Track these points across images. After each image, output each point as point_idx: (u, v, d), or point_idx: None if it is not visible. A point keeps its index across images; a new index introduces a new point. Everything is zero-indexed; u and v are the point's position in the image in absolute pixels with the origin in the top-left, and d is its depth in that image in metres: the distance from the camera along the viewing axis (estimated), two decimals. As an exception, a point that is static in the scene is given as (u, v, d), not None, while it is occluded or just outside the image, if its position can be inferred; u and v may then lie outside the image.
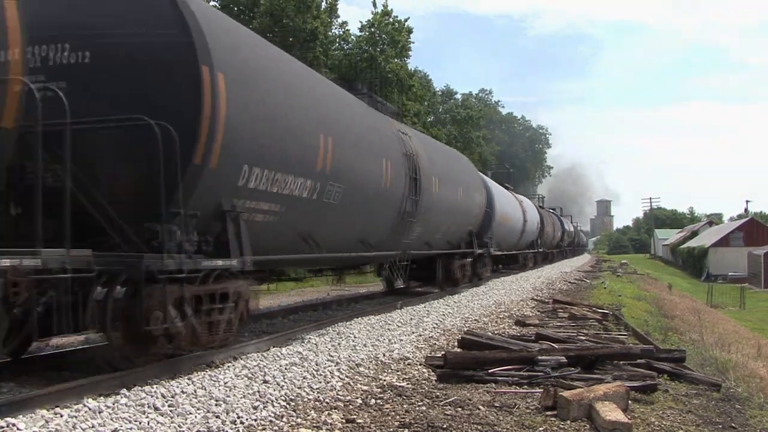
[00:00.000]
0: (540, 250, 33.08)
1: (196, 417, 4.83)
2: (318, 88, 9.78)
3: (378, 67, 31.05)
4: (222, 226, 6.94)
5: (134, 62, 6.29)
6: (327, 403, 5.52)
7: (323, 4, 30.32)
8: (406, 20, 32.48)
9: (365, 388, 6.10)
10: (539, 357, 6.78)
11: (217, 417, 4.87)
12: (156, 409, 4.94)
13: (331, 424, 4.93)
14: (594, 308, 13.31)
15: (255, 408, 5.19)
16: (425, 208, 13.25)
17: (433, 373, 6.83)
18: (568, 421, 5.06)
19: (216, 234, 6.88)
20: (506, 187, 27.04)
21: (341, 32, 33.20)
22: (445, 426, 4.91)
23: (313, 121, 8.73)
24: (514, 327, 10.67)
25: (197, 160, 6.27)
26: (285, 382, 5.97)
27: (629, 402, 5.56)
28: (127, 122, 6.05)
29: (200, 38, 6.35)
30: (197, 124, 6.23)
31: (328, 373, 6.48)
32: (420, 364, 7.27)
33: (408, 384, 6.36)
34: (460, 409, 5.44)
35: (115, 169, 6.34)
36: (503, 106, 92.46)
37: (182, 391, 5.42)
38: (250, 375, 6.16)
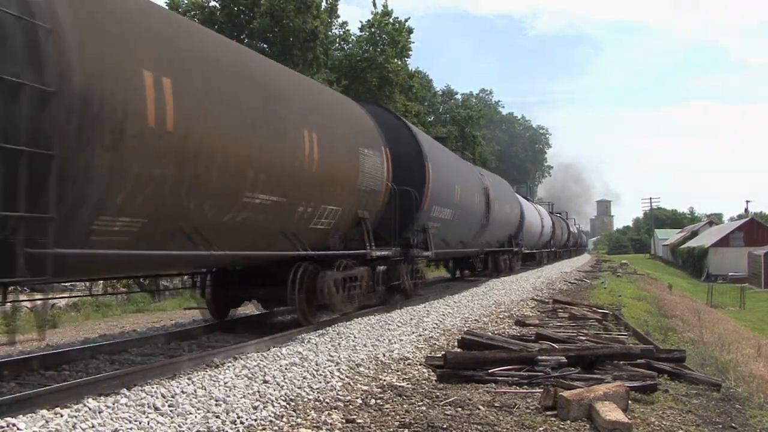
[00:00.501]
0: (552, 249, 40.57)
1: (196, 417, 4.83)
2: (454, 162, 17.44)
3: (379, 68, 31.05)
4: (424, 236, 13.50)
5: None
6: (327, 403, 5.52)
7: (323, 4, 30.30)
8: (406, 20, 32.49)
9: (365, 388, 6.10)
10: (539, 357, 6.78)
11: (217, 417, 4.87)
12: (156, 409, 4.94)
13: (331, 424, 4.93)
14: (594, 308, 13.31)
15: (255, 408, 5.19)
16: (491, 220, 20.11)
17: (433, 373, 6.83)
18: (568, 421, 5.06)
19: (423, 239, 13.49)
20: (528, 199, 34.54)
21: (341, 32, 33.20)
22: (445, 426, 4.91)
23: (454, 177, 16.06)
24: (514, 327, 10.67)
25: (423, 207, 13.05)
26: (285, 382, 5.97)
27: (629, 402, 5.56)
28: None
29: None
30: (426, 189, 13.10)
31: (328, 373, 6.48)
32: (420, 364, 7.27)
33: (408, 384, 6.36)
34: (460, 409, 5.44)
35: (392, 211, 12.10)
36: (503, 106, 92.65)
37: (182, 391, 5.42)
38: (250, 375, 6.16)
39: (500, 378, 6.47)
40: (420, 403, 5.59)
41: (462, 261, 22.48)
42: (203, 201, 6.79)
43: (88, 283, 19.55)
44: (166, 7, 28.67)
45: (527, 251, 29.26)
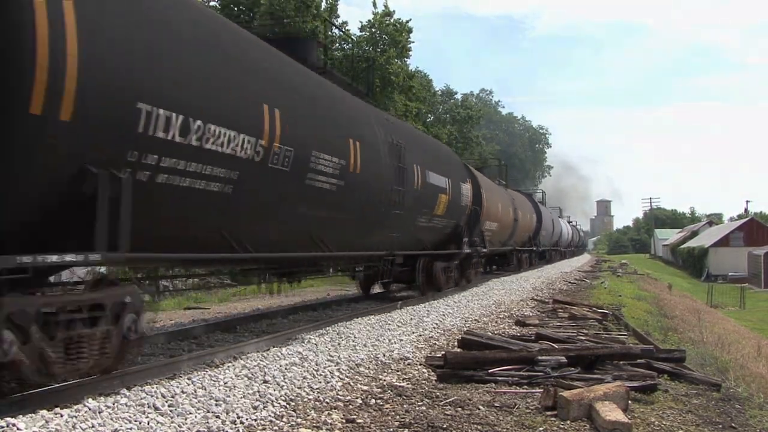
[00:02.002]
0: (558, 248, 45.49)
1: (196, 417, 4.83)
2: (495, 187, 22.77)
3: (379, 68, 31.04)
4: (482, 239, 18.38)
5: None
6: (327, 403, 5.52)
7: (323, 4, 30.29)
8: (407, 21, 32.50)
9: (365, 388, 6.10)
10: (539, 357, 6.78)
11: (217, 417, 4.87)
12: (156, 409, 4.94)
13: (331, 424, 4.93)
14: (594, 308, 13.31)
15: (255, 408, 5.19)
16: (517, 228, 26.16)
17: (433, 373, 6.83)
18: (568, 421, 5.06)
19: (481, 240, 18.09)
20: (541, 203, 39.07)
21: (341, 32, 33.18)
22: (445, 426, 4.91)
23: (496, 199, 21.98)
24: (514, 327, 10.67)
25: (481, 219, 18.19)
26: (285, 382, 5.97)
27: (629, 402, 5.56)
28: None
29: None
30: (483, 208, 17.67)
31: (328, 373, 6.48)
32: (420, 364, 7.27)
33: (408, 384, 6.36)
34: (460, 409, 5.44)
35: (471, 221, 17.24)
36: (503, 107, 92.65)
37: (182, 391, 5.42)
38: (250, 375, 6.16)
39: (500, 378, 6.47)
40: (420, 403, 5.59)
41: (491, 258, 25.62)
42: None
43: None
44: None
45: (545, 248, 36.79)
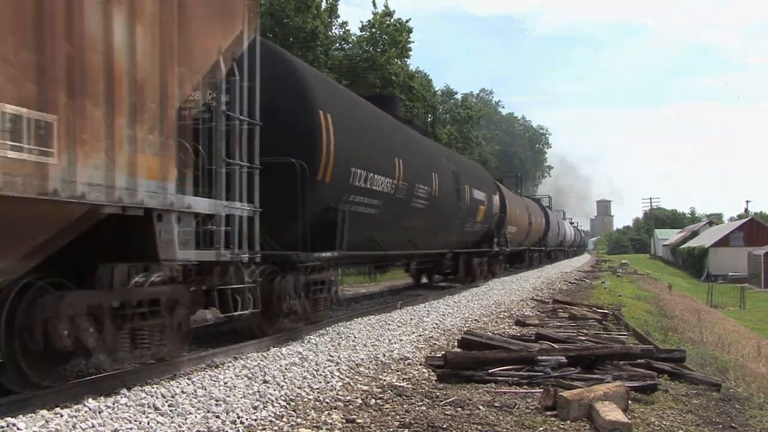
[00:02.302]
0: (562, 248, 49.70)
1: (196, 417, 4.83)
2: (514, 196, 27.01)
3: (379, 68, 31.04)
4: (505, 240, 22.61)
5: None
6: (327, 403, 5.52)
7: (323, 4, 30.27)
8: (407, 21, 32.49)
9: (365, 388, 6.10)
10: (539, 357, 6.78)
11: (217, 417, 4.87)
12: (156, 409, 4.94)
13: (331, 424, 4.93)
14: (594, 308, 13.32)
15: (255, 408, 5.19)
16: (530, 230, 30.19)
17: (433, 373, 6.83)
18: (568, 421, 5.06)
19: (505, 241, 22.65)
20: (549, 208, 43.67)
21: (341, 32, 33.18)
22: (445, 426, 4.91)
23: (514, 205, 24.97)
24: (514, 327, 10.67)
25: (506, 224, 22.83)
26: (285, 382, 5.97)
27: (629, 402, 5.56)
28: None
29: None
30: (506, 215, 22.82)
31: (328, 373, 6.48)
32: (420, 364, 7.26)
33: (408, 384, 6.36)
34: (460, 409, 5.44)
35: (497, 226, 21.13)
36: (503, 107, 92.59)
37: (182, 391, 5.42)
38: (250, 375, 6.16)
39: (500, 378, 6.47)
40: (420, 403, 5.59)
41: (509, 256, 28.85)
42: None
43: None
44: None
45: (552, 248, 41.13)
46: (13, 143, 4.07)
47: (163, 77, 5.48)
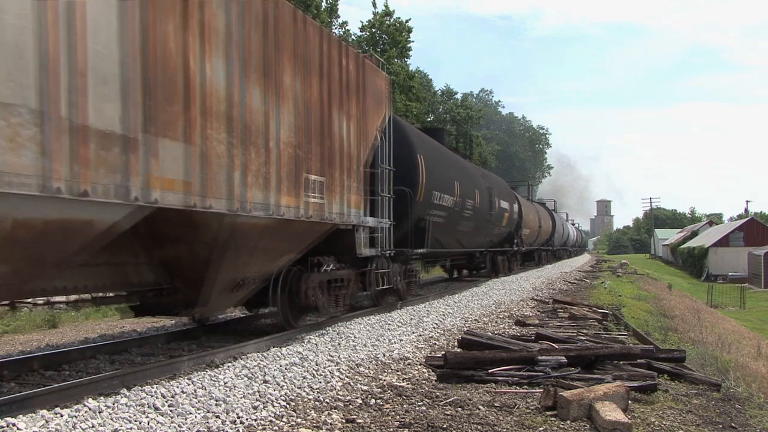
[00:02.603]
0: (566, 248, 53.34)
1: (196, 417, 4.83)
2: (529, 203, 32.62)
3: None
4: (520, 240, 26.97)
5: None
6: (327, 403, 5.51)
7: (323, 4, 30.30)
8: (407, 21, 32.50)
9: (365, 388, 6.10)
10: (539, 357, 6.78)
11: (217, 417, 4.87)
12: (156, 409, 4.94)
13: (331, 424, 4.93)
14: (594, 308, 13.32)
15: (255, 408, 5.19)
16: (540, 232, 33.90)
17: (433, 373, 6.83)
18: (568, 421, 5.06)
19: (521, 241, 27.03)
20: (555, 212, 48.21)
21: (341, 32, 33.20)
22: (445, 426, 4.91)
23: (528, 210, 29.13)
24: (514, 327, 10.67)
25: (522, 227, 26.91)
26: (285, 382, 5.97)
27: (629, 402, 5.56)
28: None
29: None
30: (522, 221, 26.91)
31: (328, 373, 6.48)
32: (420, 364, 7.26)
33: (408, 384, 6.35)
34: (460, 409, 5.44)
35: (516, 229, 26.05)
36: (503, 107, 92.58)
37: (182, 391, 5.42)
38: (250, 375, 6.16)
39: (500, 378, 6.47)
40: (420, 403, 5.59)
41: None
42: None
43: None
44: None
45: (558, 247, 45.70)
46: (313, 194, 8.15)
47: (358, 150, 9.72)
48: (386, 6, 32.02)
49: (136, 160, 5.11)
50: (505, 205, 22.93)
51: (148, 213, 5.39)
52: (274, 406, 5.28)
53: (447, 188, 15.02)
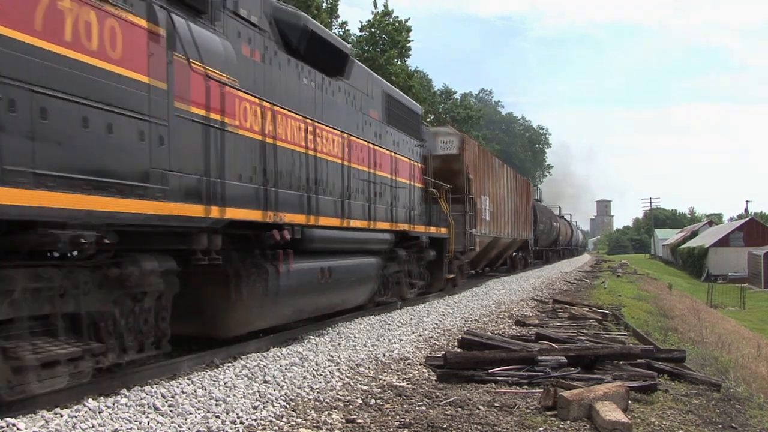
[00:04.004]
0: (569, 248, 57.19)
1: (196, 417, 4.83)
2: (545, 208, 41.74)
3: (379, 68, 31.01)
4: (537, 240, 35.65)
5: None
6: (327, 403, 5.51)
7: (324, 4, 30.26)
8: (406, 20, 32.49)
9: (365, 388, 6.10)
10: (539, 357, 6.77)
11: (217, 417, 4.87)
12: (156, 409, 4.94)
13: (331, 424, 4.93)
14: (594, 308, 13.32)
15: (255, 408, 5.19)
16: (554, 234, 42.47)
17: (433, 373, 6.83)
18: (568, 421, 5.05)
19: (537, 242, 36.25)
20: (563, 216, 55.23)
21: (341, 32, 33.18)
22: (445, 426, 4.91)
23: (542, 213, 37.88)
24: (514, 327, 10.67)
25: (538, 229, 34.15)
26: (285, 382, 5.97)
27: (629, 402, 5.56)
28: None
29: None
30: (537, 223, 34.77)
31: (328, 373, 6.48)
32: (420, 364, 7.26)
33: (408, 384, 6.35)
34: (460, 409, 5.44)
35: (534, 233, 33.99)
36: (503, 106, 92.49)
37: (182, 391, 5.42)
38: (250, 375, 6.16)
39: (500, 378, 6.47)
40: (420, 403, 5.59)
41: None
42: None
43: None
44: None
45: (562, 248, 49.49)
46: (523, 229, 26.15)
47: (517, 205, 25.12)
48: (386, 6, 32.00)
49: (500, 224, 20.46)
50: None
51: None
52: (274, 406, 5.28)
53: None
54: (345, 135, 9.72)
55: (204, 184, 6.26)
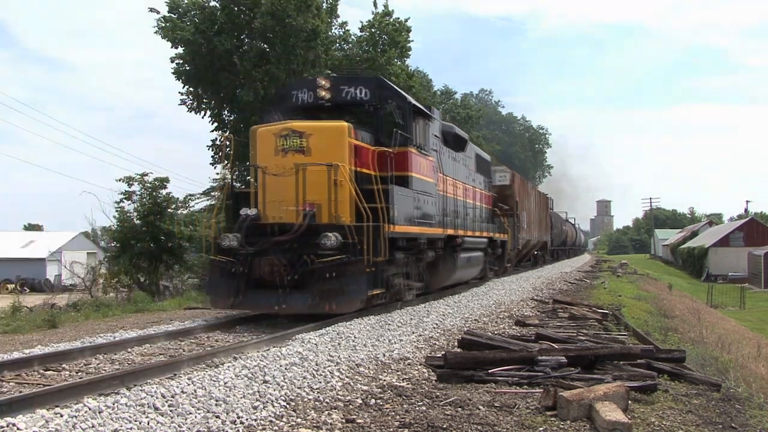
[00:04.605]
0: (574, 247, 61.01)
1: (196, 417, 4.83)
2: (557, 217, 46.92)
3: (380, 68, 31.00)
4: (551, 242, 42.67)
5: None
6: (327, 403, 5.52)
7: (324, 5, 30.21)
8: (406, 20, 32.45)
9: (365, 388, 6.10)
10: (539, 357, 6.77)
11: (217, 417, 4.87)
12: (156, 409, 4.94)
13: (331, 424, 4.93)
14: (594, 308, 13.31)
15: (255, 408, 5.19)
16: (564, 236, 48.86)
17: (433, 373, 6.83)
18: (568, 421, 5.06)
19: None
20: (569, 220, 60.97)
21: (341, 32, 33.15)
22: (445, 426, 4.91)
23: (555, 220, 42.75)
24: (514, 327, 10.67)
25: (553, 231, 41.32)
26: (285, 382, 5.97)
27: (629, 402, 5.56)
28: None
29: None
30: (552, 228, 42.52)
31: (328, 373, 6.48)
32: (420, 364, 7.26)
33: (408, 384, 6.36)
34: (460, 409, 5.44)
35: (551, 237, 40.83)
36: (503, 106, 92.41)
37: (182, 391, 5.42)
38: (250, 375, 6.16)
39: (500, 378, 6.47)
40: (420, 403, 5.59)
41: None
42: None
43: (88, 284, 19.91)
44: (171, 13, 28.66)
45: (567, 247, 54.23)
46: (526, 237, 28.47)
47: (540, 215, 32.35)
48: (386, 6, 31.98)
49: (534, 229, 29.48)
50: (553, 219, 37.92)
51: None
52: (274, 406, 5.28)
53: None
54: (464, 184, 16.84)
55: (439, 219, 13.82)
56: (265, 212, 10.52)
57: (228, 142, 13.58)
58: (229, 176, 12.85)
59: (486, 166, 21.00)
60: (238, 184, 20.04)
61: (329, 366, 6.75)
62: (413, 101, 12.46)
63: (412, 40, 32.77)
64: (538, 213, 32.18)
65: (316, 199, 10.18)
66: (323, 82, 11.97)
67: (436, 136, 14.03)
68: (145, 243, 19.86)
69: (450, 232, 14.61)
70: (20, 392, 5.62)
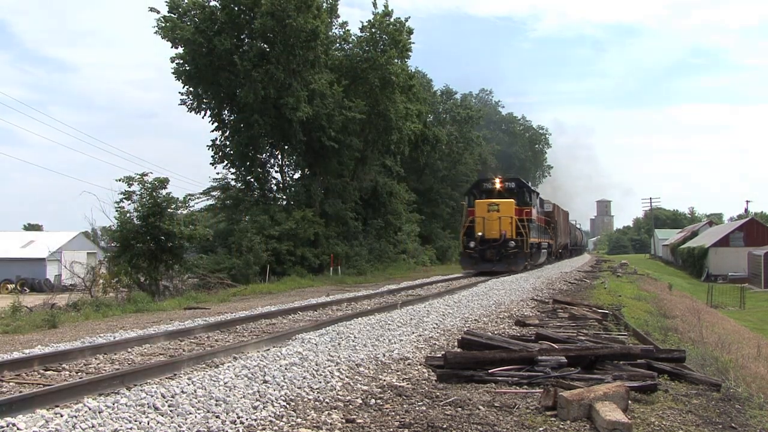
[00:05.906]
0: (576, 247, 63.81)
1: (196, 417, 4.83)
2: (565, 221, 49.22)
3: (379, 68, 31.00)
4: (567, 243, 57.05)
5: None
6: (327, 403, 5.52)
7: (324, 5, 30.22)
8: (406, 20, 32.45)
9: (365, 388, 6.10)
10: (539, 357, 6.77)
11: (217, 417, 4.87)
12: (156, 409, 4.94)
13: (331, 424, 4.93)
14: (594, 308, 13.31)
15: (255, 408, 5.19)
16: (571, 238, 58.73)
17: (433, 373, 6.83)
18: (568, 421, 5.06)
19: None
20: (574, 222, 68.30)
21: (341, 32, 33.15)
22: (445, 426, 4.91)
23: (567, 226, 51.12)
24: (514, 327, 10.67)
25: (558, 235, 45.89)
26: (285, 382, 5.97)
27: (629, 402, 5.56)
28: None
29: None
30: (560, 234, 47.05)
31: (328, 373, 6.48)
32: (420, 364, 7.26)
33: (408, 384, 6.35)
34: (460, 409, 5.44)
35: (570, 241, 56.82)
36: (503, 106, 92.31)
37: (182, 391, 5.42)
38: (250, 375, 6.16)
39: (500, 378, 6.47)
40: (420, 403, 5.59)
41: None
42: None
43: (88, 284, 19.91)
44: (171, 12, 28.65)
45: (574, 247, 60.12)
46: (558, 241, 41.30)
47: (562, 223, 43.06)
48: (386, 6, 31.97)
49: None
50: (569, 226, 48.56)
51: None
52: (274, 406, 5.28)
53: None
54: (538, 215, 29.50)
55: (536, 235, 28.76)
56: (484, 234, 25.16)
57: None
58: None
59: (541, 201, 33.57)
60: (239, 184, 32.24)
61: (329, 366, 6.75)
62: (532, 187, 29.18)
63: (413, 42, 32.80)
64: (564, 225, 44.78)
65: (505, 229, 24.92)
66: (497, 180, 27.48)
67: (536, 196, 29.45)
68: (145, 243, 19.87)
69: (540, 240, 29.56)
70: (20, 392, 5.62)
